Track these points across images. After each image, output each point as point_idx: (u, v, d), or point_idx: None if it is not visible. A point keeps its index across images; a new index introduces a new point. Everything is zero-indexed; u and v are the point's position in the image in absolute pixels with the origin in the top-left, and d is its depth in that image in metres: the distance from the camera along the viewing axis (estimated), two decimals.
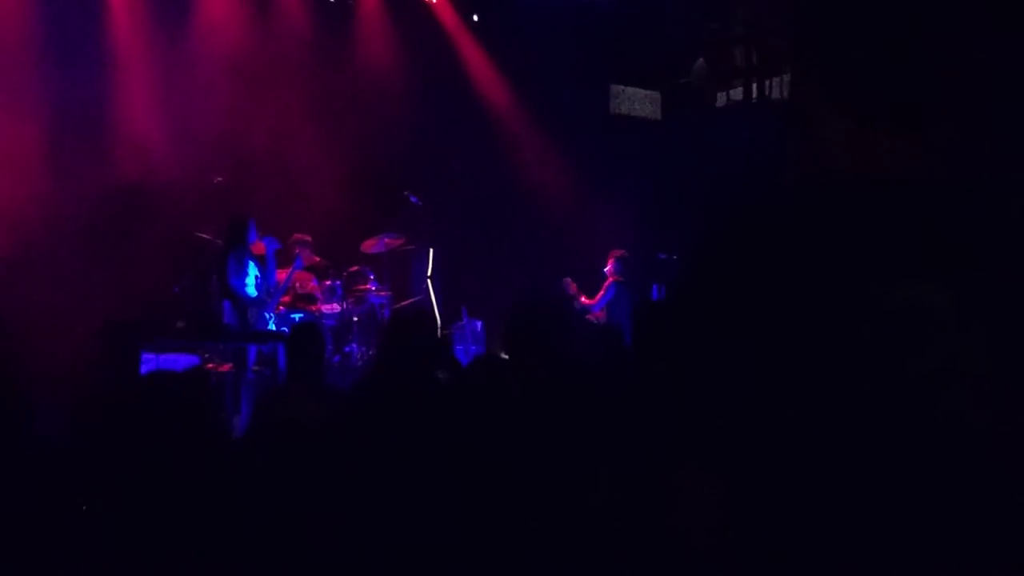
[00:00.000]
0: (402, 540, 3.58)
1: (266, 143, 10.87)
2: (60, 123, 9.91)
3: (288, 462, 4.15)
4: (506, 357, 4.53)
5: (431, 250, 11.20)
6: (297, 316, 9.64)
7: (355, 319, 10.39)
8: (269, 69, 11.00)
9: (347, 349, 10.20)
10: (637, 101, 13.29)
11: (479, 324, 11.17)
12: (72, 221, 9.63)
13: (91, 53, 10.24)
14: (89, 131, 10.10)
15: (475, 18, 12.62)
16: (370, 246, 10.78)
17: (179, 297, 9.41)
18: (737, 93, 11.97)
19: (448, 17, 12.50)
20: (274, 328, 9.22)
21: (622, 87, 13.22)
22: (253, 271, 9.03)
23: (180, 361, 8.18)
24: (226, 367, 8.51)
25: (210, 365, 8.54)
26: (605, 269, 10.88)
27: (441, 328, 10.82)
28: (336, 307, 10.23)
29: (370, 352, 10.10)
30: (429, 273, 11.20)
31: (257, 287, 9.06)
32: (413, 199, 10.98)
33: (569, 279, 10.89)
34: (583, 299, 10.89)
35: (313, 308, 10.03)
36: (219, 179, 9.88)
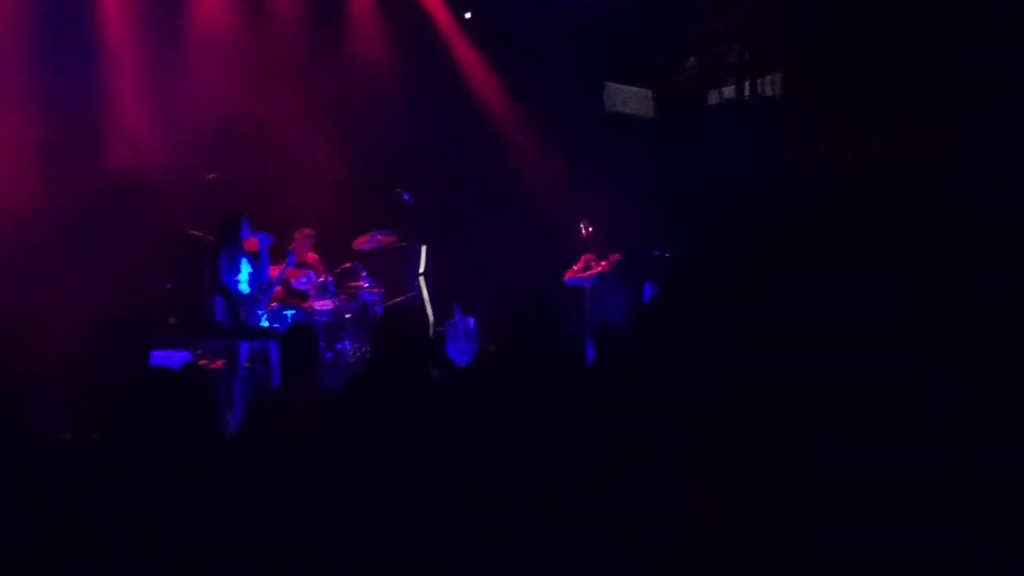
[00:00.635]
0: (396, 538, 3.59)
1: (259, 140, 10.87)
2: (53, 119, 9.89)
3: (282, 462, 4.16)
4: (500, 356, 4.53)
5: (423, 247, 11.19)
6: (289, 313, 9.63)
7: (347, 316, 10.39)
8: (261, 67, 10.99)
9: (339, 346, 10.20)
10: (630, 99, 13.30)
11: (471, 321, 11.17)
12: (64, 218, 9.61)
13: (84, 49, 10.22)
14: (82, 127, 10.09)
15: (468, 15, 12.62)
16: (363, 243, 10.78)
17: (171, 294, 9.39)
18: (730, 91, 11.99)
19: (441, 14, 12.49)
20: (266, 325, 9.21)
21: (615, 85, 13.22)
22: (246, 268, 9.02)
23: (172, 358, 8.16)
24: (218, 364, 8.51)
25: (202, 361, 8.53)
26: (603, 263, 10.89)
27: (433, 325, 10.82)
28: (328, 304, 10.23)
29: (363, 349, 10.10)
30: (422, 270, 11.19)
31: (250, 284, 9.05)
32: (406, 196, 10.98)
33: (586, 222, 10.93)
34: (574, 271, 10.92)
35: (305, 305, 10.03)
36: (212, 175, 9.86)
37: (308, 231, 10.16)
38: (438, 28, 12.50)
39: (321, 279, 10.26)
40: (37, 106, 9.78)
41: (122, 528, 3.53)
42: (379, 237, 10.75)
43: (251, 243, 9.21)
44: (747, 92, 11.67)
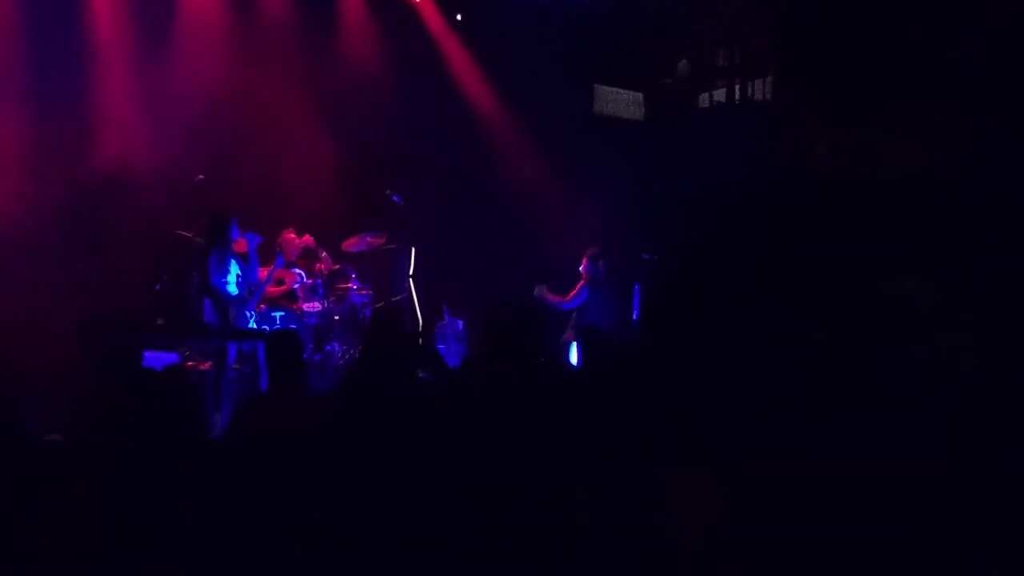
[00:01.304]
0: (385, 541, 3.58)
1: (248, 141, 10.85)
2: (40, 119, 9.87)
3: (270, 464, 4.15)
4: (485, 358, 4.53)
5: (413, 249, 11.18)
6: (278, 315, 9.61)
7: (336, 318, 10.38)
8: (250, 69, 10.96)
9: (328, 348, 10.18)
10: (620, 102, 13.29)
11: (460, 323, 11.17)
12: (52, 218, 9.59)
13: (72, 49, 10.20)
14: (70, 127, 10.06)
15: (458, 17, 12.61)
16: (352, 245, 10.77)
17: (160, 295, 9.37)
18: (720, 94, 11.99)
19: (432, 16, 12.48)
20: (255, 326, 9.19)
21: (605, 88, 13.22)
22: (235, 269, 9.00)
23: (160, 359, 8.15)
24: (206, 365, 8.49)
25: (190, 363, 8.51)
26: (580, 268, 10.85)
27: (422, 327, 10.81)
28: (317, 306, 10.22)
29: (351, 351, 10.09)
30: (411, 272, 11.18)
31: (238, 285, 9.03)
32: (395, 198, 10.97)
33: (545, 289, 10.67)
34: (555, 297, 10.81)
35: (294, 306, 10.01)
36: (200, 177, 9.84)
37: (290, 235, 10.13)
38: (428, 30, 12.49)
39: (310, 281, 10.25)
40: (25, 105, 9.76)
41: (108, 529, 3.51)
42: (368, 239, 10.75)
43: (240, 244, 9.19)
44: (737, 96, 11.67)
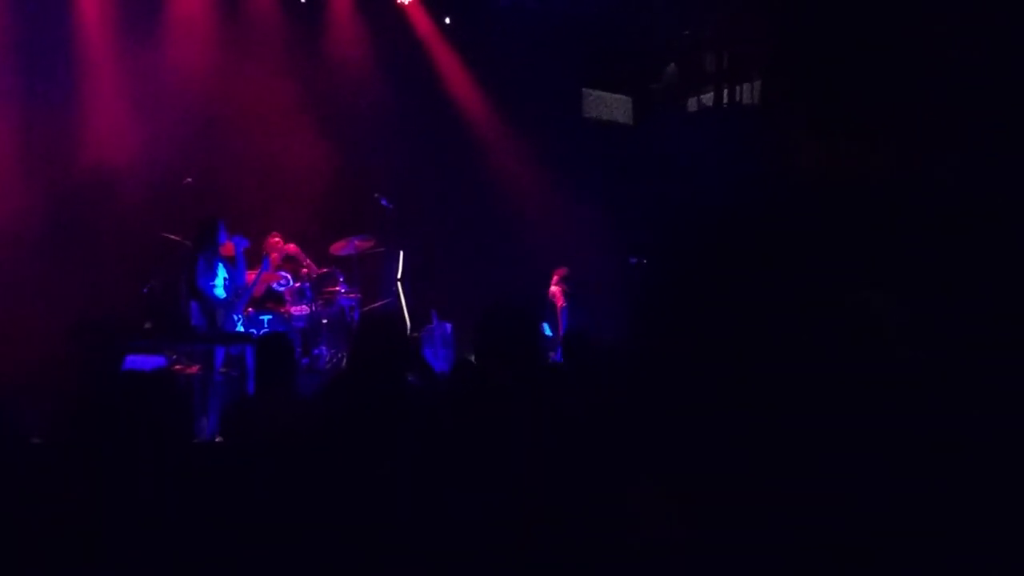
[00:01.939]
0: (373, 545, 3.57)
1: (236, 146, 10.84)
2: (28, 123, 9.85)
3: (259, 469, 4.14)
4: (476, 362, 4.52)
5: (401, 253, 11.18)
6: (266, 318, 9.60)
7: (324, 321, 10.36)
8: (239, 72, 10.95)
9: (316, 351, 10.17)
10: (609, 105, 13.32)
11: (449, 327, 11.16)
12: (40, 221, 9.56)
13: (60, 52, 10.18)
14: (57, 130, 10.03)
15: (447, 21, 12.62)
16: (340, 248, 10.76)
17: (147, 298, 9.35)
18: (708, 98, 12.02)
19: (421, 20, 12.48)
20: (242, 330, 9.18)
21: (594, 91, 13.24)
22: (222, 273, 8.99)
23: (147, 362, 8.12)
24: (194, 369, 8.47)
25: (178, 367, 8.49)
26: (551, 290, 10.83)
27: (411, 331, 10.80)
28: (305, 309, 10.21)
29: (339, 354, 10.08)
30: (399, 276, 11.17)
31: (226, 289, 9.02)
32: (383, 202, 10.96)
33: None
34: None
35: (282, 310, 10.00)
36: (188, 180, 9.83)
37: (275, 238, 10.12)
38: (417, 34, 12.49)
39: (297, 284, 10.24)
40: (13, 111, 9.73)
41: (94, 533, 3.50)
42: (357, 242, 10.74)
43: (228, 248, 9.18)
44: (725, 100, 11.70)
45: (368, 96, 11.70)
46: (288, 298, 10.16)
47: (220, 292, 8.95)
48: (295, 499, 3.82)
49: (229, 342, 8.81)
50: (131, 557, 3.45)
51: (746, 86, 11.28)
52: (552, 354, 10.37)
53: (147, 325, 8.60)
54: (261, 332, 9.29)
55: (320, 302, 10.45)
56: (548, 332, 10.50)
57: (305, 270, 10.30)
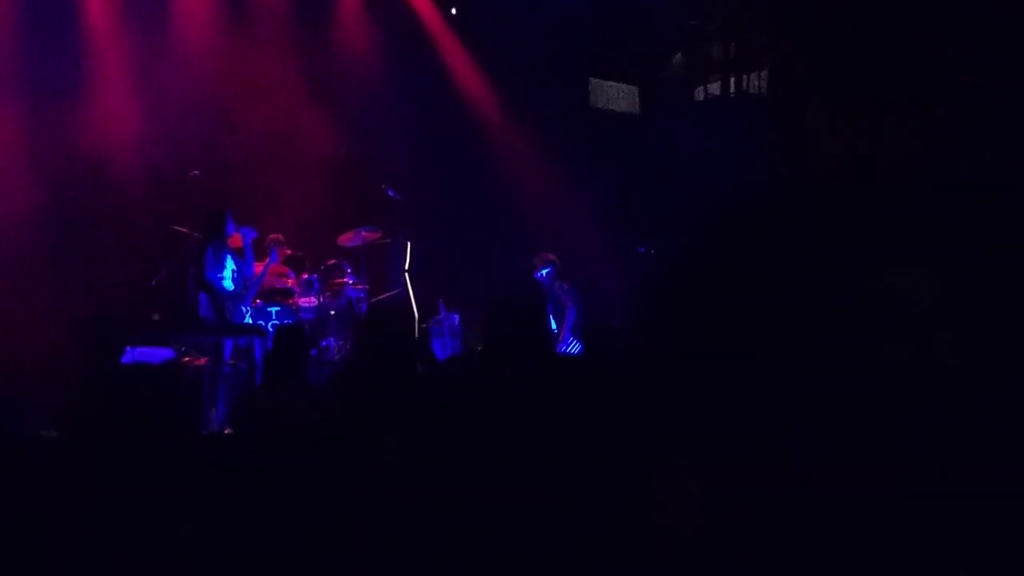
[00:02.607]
0: (382, 537, 3.57)
1: (243, 137, 10.83)
2: (35, 115, 9.85)
3: (270, 460, 4.14)
4: (483, 351, 4.52)
5: (408, 244, 11.17)
6: (274, 310, 9.61)
7: (332, 313, 10.37)
8: (245, 63, 10.94)
9: (324, 343, 10.17)
10: (616, 95, 13.28)
11: (457, 318, 11.15)
12: (48, 214, 9.57)
13: (67, 43, 10.17)
14: (63, 122, 10.04)
15: (453, 11, 12.59)
16: (347, 239, 10.76)
17: (155, 291, 9.37)
18: (716, 88, 11.98)
19: (426, 10, 12.45)
20: (251, 322, 9.19)
21: (601, 81, 13.21)
22: (230, 265, 9.01)
23: (156, 354, 8.14)
24: (202, 361, 8.48)
25: (186, 359, 8.51)
26: (542, 273, 10.62)
27: (419, 322, 10.80)
28: (313, 301, 10.22)
29: (347, 346, 10.09)
30: (407, 267, 11.16)
31: (234, 281, 9.04)
32: (391, 193, 10.95)
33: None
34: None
35: (290, 302, 10.01)
36: (196, 172, 9.83)
37: (278, 236, 10.14)
38: (424, 24, 12.46)
39: (305, 276, 10.25)
40: (18, 100, 9.73)
41: (104, 526, 3.50)
42: (364, 234, 10.74)
43: (236, 239, 9.20)
44: (733, 89, 11.66)
45: (374, 87, 11.68)
46: (296, 289, 10.17)
47: (228, 284, 8.97)
48: (302, 489, 3.83)
49: (238, 334, 8.83)
50: (142, 549, 3.46)
51: (753, 75, 11.24)
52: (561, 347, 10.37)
53: (156, 317, 8.62)
54: (270, 324, 9.30)
55: (328, 294, 10.45)
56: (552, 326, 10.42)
57: (291, 281, 10.25)
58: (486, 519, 3.51)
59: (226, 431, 7.36)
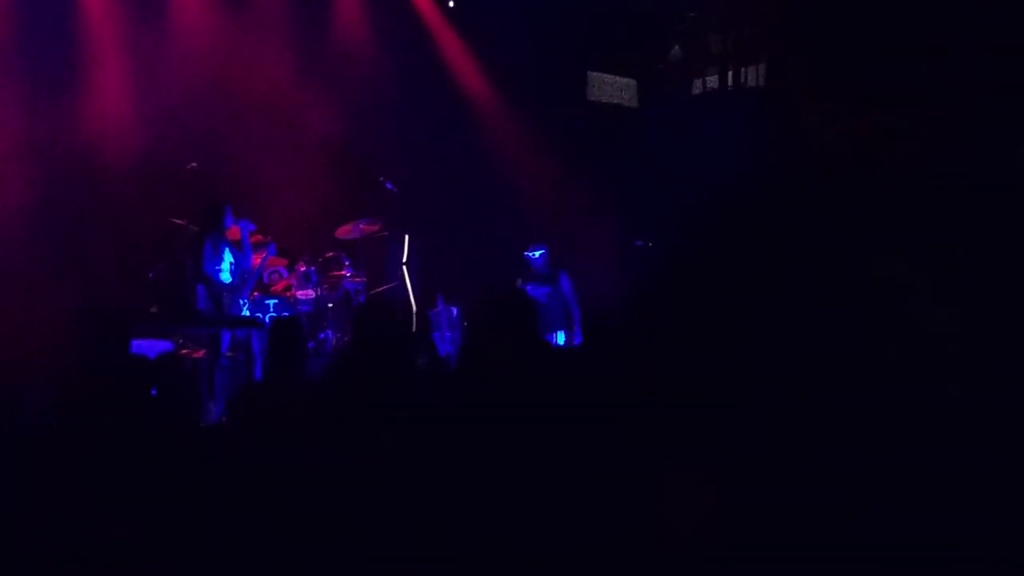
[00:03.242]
0: (380, 529, 3.58)
1: (241, 129, 10.82)
2: (31, 106, 9.83)
3: (267, 452, 4.16)
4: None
5: (406, 236, 11.17)
6: (272, 302, 9.62)
7: (330, 305, 10.37)
8: (242, 56, 10.93)
9: (322, 335, 10.18)
10: (613, 88, 13.28)
11: (455, 310, 11.16)
12: (45, 207, 9.57)
13: (65, 38, 10.15)
14: (61, 115, 10.03)
15: (451, 4, 12.58)
16: (345, 232, 10.77)
17: (153, 283, 9.38)
18: (713, 81, 11.98)
19: (424, 4, 12.44)
20: (248, 314, 9.20)
21: (598, 74, 13.20)
22: (228, 257, 9.02)
23: (154, 347, 8.15)
24: (200, 353, 8.49)
25: (184, 351, 8.52)
26: (535, 255, 10.56)
27: (417, 315, 10.81)
28: (311, 293, 10.23)
29: (344, 338, 10.10)
30: (405, 259, 11.17)
31: (232, 273, 9.05)
32: (388, 185, 10.95)
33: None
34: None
35: (288, 294, 10.02)
36: (193, 164, 9.84)
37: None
38: (421, 17, 12.45)
39: (303, 269, 10.26)
40: (16, 94, 9.73)
41: (103, 518, 3.51)
42: (362, 226, 10.74)
43: (234, 232, 9.21)
44: (730, 82, 11.67)
45: (372, 80, 11.67)
46: (294, 282, 10.19)
47: (226, 276, 8.98)
48: (298, 481, 3.84)
49: (235, 326, 8.84)
50: (141, 541, 3.47)
51: (751, 68, 11.24)
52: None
53: (153, 310, 8.63)
54: (267, 316, 9.32)
55: (326, 286, 10.46)
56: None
57: (282, 285, 10.28)
58: (483, 518, 3.52)
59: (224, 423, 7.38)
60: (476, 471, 3.63)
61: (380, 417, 4.11)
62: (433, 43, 12.52)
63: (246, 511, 3.73)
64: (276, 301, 9.68)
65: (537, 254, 10.50)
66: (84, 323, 4.91)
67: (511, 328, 4.16)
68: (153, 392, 4.49)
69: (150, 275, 9.32)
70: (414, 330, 9.92)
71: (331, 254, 10.70)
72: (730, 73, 11.70)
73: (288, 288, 10.15)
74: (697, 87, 12.22)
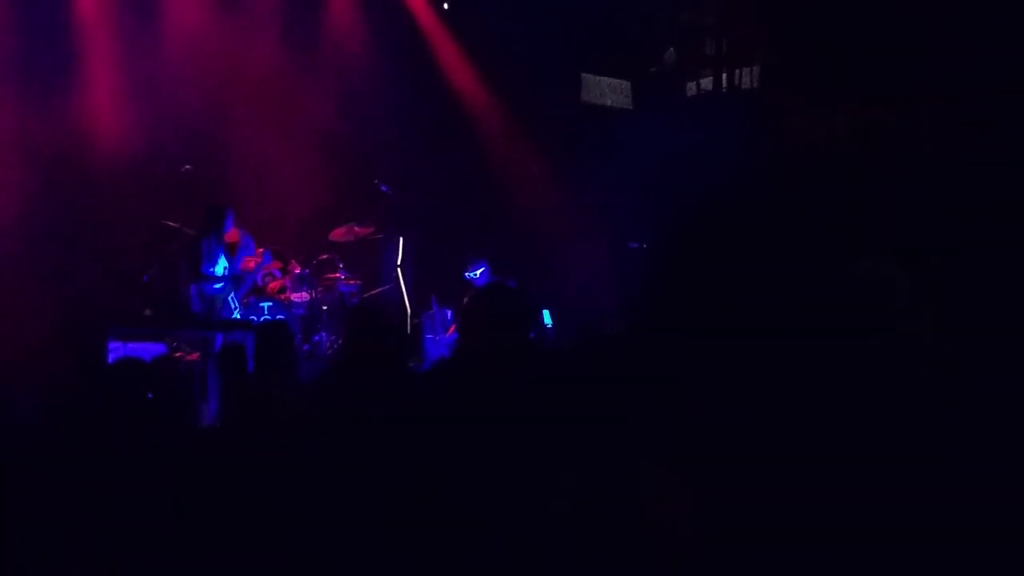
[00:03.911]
0: (372, 534, 3.58)
1: (235, 132, 10.83)
2: (29, 111, 9.82)
3: (259, 455, 4.15)
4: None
5: (401, 239, 11.17)
6: (266, 305, 9.62)
7: (324, 308, 10.37)
8: (238, 58, 10.93)
9: (316, 338, 10.18)
10: (608, 90, 13.28)
11: (449, 313, 11.16)
12: (40, 210, 9.56)
13: (57, 32, 10.14)
14: (58, 119, 10.02)
15: (445, 6, 12.58)
16: (339, 235, 10.77)
17: (147, 286, 9.37)
18: (707, 83, 11.98)
19: (419, 5, 12.44)
20: (240, 317, 9.20)
21: (593, 76, 13.20)
22: (223, 261, 9.02)
23: (148, 349, 8.14)
24: (194, 355, 8.48)
25: (178, 353, 8.51)
26: (475, 273, 10.48)
27: (411, 317, 10.81)
28: (305, 296, 10.22)
29: (339, 340, 10.09)
30: (399, 262, 11.17)
31: (224, 277, 9.05)
32: (383, 188, 10.96)
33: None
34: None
35: (283, 297, 10.02)
36: (187, 167, 9.83)
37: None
38: (416, 20, 12.45)
39: (297, 271, 10.26)
40: (9, 94, 9.72)
41: (96, 520, 3.51)
42: (356, 229, 10.74)
43: (232, 235, 9.23)
44: (725, 84, 11.67)
45: (366, 82, 11.67)
46: (288, 285, 10.19)
47: (218, 281, 8.99)
48: (292, 484, 3.83)
49: (228, 329, 8.83)
50: (135, 542, 3.46)
51: (745, 70, 11.25)
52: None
53: (148, 312, 8.62)
54: (261, 319, 9.32)
55: (320, 289, 10.45)
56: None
57: (276, 286, 10.28)
58: (478, 517, 3.51)
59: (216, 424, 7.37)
60: (476, 471, 3.62)
61: (373, 420, 4.10)
62: (428, 46, 12.52)
63: (244, 511, 3.72)
64: (270, 304, 9.68)
65: (478, 273, 10.41)
66: (78, 326, 4.92)
67: (503, 325, 4.15)
68: (149, 396, 4.47)
69: (144, 278, 9.31)
70: (405, 333, 9.91)
71: (325, 256, 10.70)
72: (724, 75, 11.70)
73: (283, 290, 10.16)
74: (691, 89, 12.22)
